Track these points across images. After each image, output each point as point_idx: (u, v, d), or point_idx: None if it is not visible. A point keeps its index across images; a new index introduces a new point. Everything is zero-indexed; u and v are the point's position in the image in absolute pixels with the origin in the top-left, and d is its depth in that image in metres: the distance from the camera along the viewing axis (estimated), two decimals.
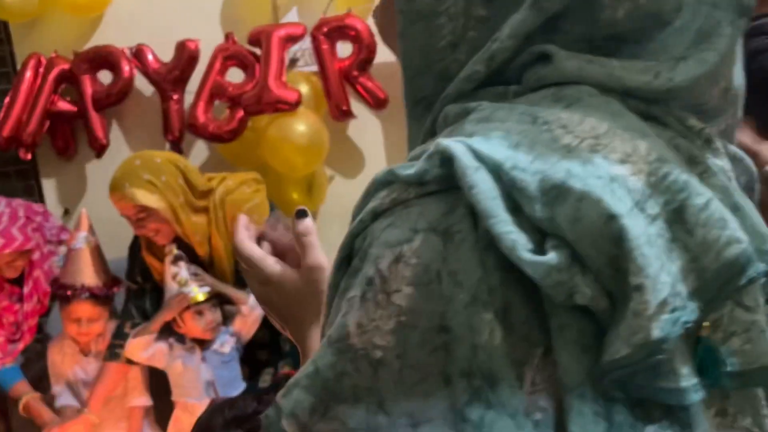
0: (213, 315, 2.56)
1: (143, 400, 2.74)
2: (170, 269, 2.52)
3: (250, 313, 2.56)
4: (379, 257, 0.50)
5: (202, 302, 2.52)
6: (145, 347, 2.58)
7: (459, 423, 0.45)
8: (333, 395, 0.48)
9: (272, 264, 0.80)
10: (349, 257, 0.54)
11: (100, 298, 2.65)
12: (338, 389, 0.48)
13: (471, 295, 0.46)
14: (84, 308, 2.62)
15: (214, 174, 2.65)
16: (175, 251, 2.52)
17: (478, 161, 0.47)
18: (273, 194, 2.84)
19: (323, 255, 0.78)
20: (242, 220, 0.84)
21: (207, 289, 2.52)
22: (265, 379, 2.68)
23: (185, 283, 2.49)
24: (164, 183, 2.48)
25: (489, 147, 0.48)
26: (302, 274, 0.78)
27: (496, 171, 0.47)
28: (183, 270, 2.50)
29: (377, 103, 2.92)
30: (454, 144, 0.49)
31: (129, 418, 2.71)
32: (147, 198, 2.45)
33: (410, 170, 0.51)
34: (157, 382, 2.81)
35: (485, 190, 0.46)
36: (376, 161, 3.18)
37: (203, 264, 2.62)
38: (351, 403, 0.47)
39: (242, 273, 0.83)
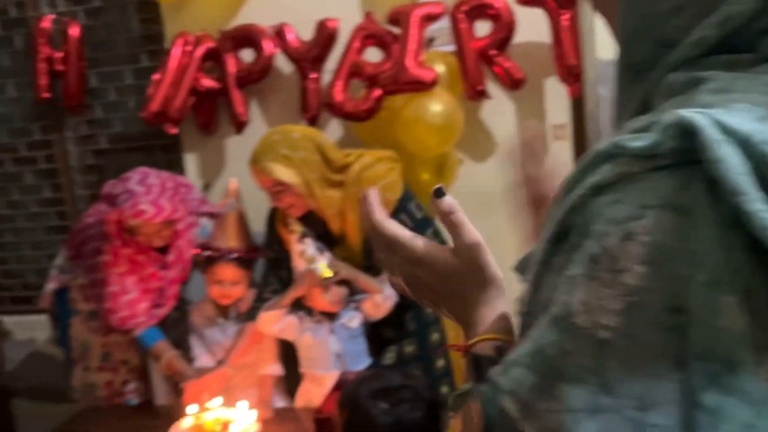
0: (339, 290, 2.61)
1: (275, 369, 2.82)
2: (297, 247, 2.58)
3: (383, 302, 2.59)
4: (605, 235, 0.47)
5: (330, 278, 2.57)
6: (275, 321, 2.66)
7: (692, 408, 0.43)
8: (555, 374, 0.47)
9: (422, 243, 0.77)
10: (562, 232, 0.51)
11: (243, 261, 2.75)
12: (561, 368, 0.47)
13: (711, 276, 0.43)
14: (228, 270, 2.73)
15: (352, 150, 2.68)
16: (300, 229, 2.57)
17: (724, 134, 0.45)
18: (403, 175, 2.85)
19: (476, 231, 0.76)
20: (374, 196, 0.80)
21: (328, 268, 2.56)
22: (389, 357, 2.71)
23: (312, 260, 2.55)
24: (300, 158, 2.53)
25: (734, 119, 0.45)
26: (458, 252, 0.75)
27: (744, 145, 0.44)
28: (309, 247, 2.55)
29: (513, 83, 2.87)
30: (695, 115, 0.46)
31: (260, 386, 2.80)
32: (283, 172, 2.51)
33: (640, 142, 0.48)
34: (287, 353, 2.89)
35: (734, 165, 0.43)
36: (507, 145, 3.14)
37: (335, 239, 2.67)
38: (574, 382, 0.46)
39: (378, 254, 0.80)
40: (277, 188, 2.55)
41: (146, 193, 2.59)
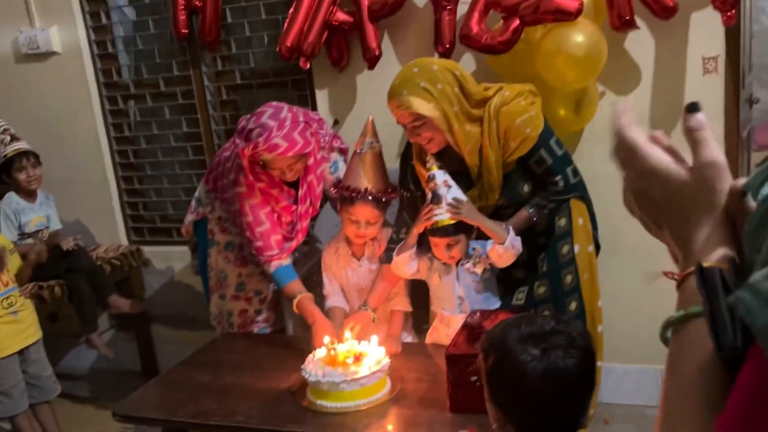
0: (459, 246, 2.56)
1: (405, 305, 2.83)
2: (429, 183, 2.53)
3: (504, 252, 2.52)
4: None
5: (451, 234, 2.53)
6: (407, 263, 2.65)
7: None
8: None
9: (659, 155, 0.72)
10: None
11: (380, 202, 2.74)
12: None
13: None
14: (365, 211, 2.73)
15: (491, 84, 2.59)
16: (435, 165, 2.52)
17: None
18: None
19: (720, 151, 0.70)
20: (627, 104, 0.76)
21: (447, 216, 2.50)
22: (519, 298, 2.65)
23: (439, 201, 2.50)
24: (440, 91, 2.47)
25: None
26: (695, 170, 0.70)
27: None
28: (441, 187, 2.50)
29: (664, 12, 2.68)
30: None
31: (390, 321, 2.82)
32: (422, 106, 2.46)
33: None
34: (415, 293, 2.89)
35: None
36: (653, 79, 2.95)
37: (471, 176, 2.60)
38: None
39: (618, 163, 0.76)
40: (416, 122, 2.51)
41: (279, 128, 2.60)
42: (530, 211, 2.60)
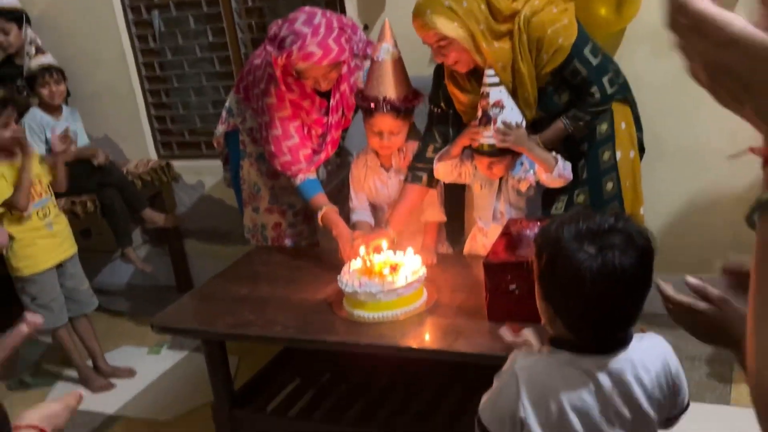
0: (502, 165, 2.48)
1: (438, 216, 2.78)
2: (482, 100, 2.43)
3: (553, 181, 2.44)
4: None
5: (495, 155, 2.44)
6: (449, 171, 2.57)
7: None
8: None
9: (742, 23, 0.65)
10: None
11: (401, 111, 2.63)
12: None
13: None
14: (386, 121, 2.63)
15: None
16: (492, 81, 2.40)
17: None
18: (578, 10, 2.60)
19: None
20: None
21: (493, 142, 2.41)
22: (558, 207, 2.58)
23: (488, 123, 2.40)
24: (465, 9, 2.34)
25: None
26: None
27: None
28: (492, 108, 2.39)
29: None
30: None
31: (424, 232, 2.78)
32: (447, 26, 2.34)
33: None
34: (450, 203, 2.83)
35: None
36: None
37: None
38: None
39: (678, 37, 0.68)
40: (442, 43, 2.40)
41: (314, 35, 2.50)
42: (565, 123, 2.50)
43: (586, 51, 2.41)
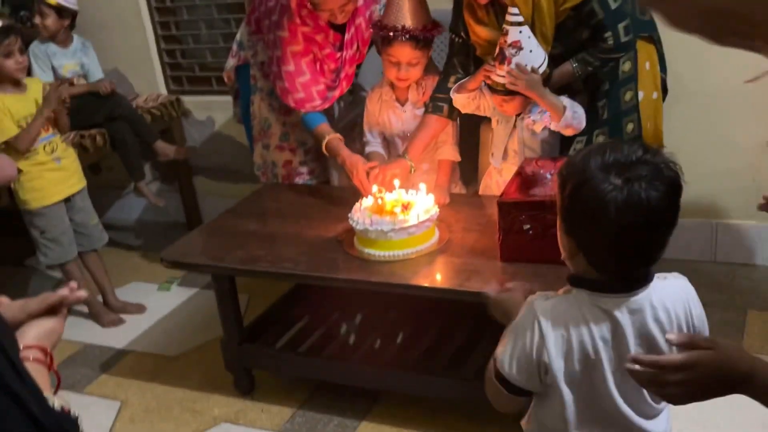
0: (515, 103, 2.41)
1: (453, 154, 2.72)
2: (501, 38, 2.34)
3: (563, 128, 2.36)
4: None
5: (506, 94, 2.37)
6: (468, 102, 2.51)
7: None
8: None
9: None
10: None
11: (420, 40, 2.55)
12: None
13: None
14: (404, 51, 2.56)
15: None
16: (513, 19, 2.31)
17: None
18: None
19: None
20: None
21: (503, 82, 2.33)
22: (577, 149, 2.52)
23: (502, 62, 2.32)
24: None
25: None
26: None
27: None
28: (509, 48, 2.30)
29: None
30: None
31: (438, 170, 2.73)
32: None
33: None
34: (465, 143, 2.78)
35: None
36: None
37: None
38: None
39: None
40: None
41: None
42: (574, 66, 2.42)
43: None
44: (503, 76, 2.31)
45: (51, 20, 3.47)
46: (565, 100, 2.35)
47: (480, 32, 2.49)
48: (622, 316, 1.25)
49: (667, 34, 2.64)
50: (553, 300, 1.31)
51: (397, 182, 2.45)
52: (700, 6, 0.66)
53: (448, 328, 2.63)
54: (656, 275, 1.29)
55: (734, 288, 2.98)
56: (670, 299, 1.29)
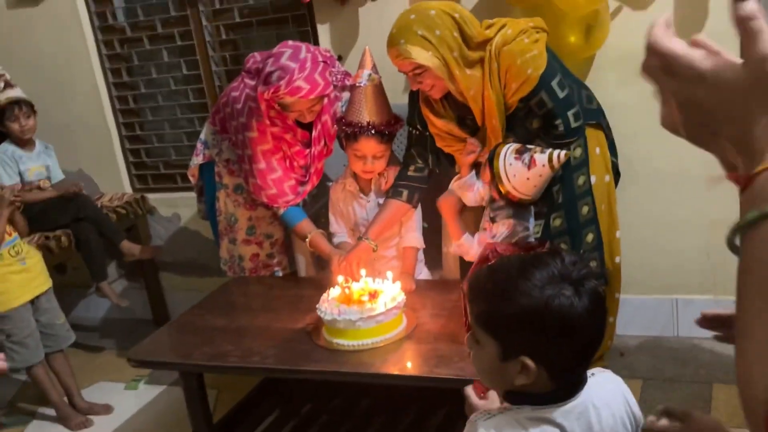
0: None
1: (417, 241, 2.78)
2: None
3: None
4: None
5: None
6: (470, 193, 2.56)
7: None
8: None
9: (703, 58, 0.68)
10: None
11: (384, 135, 2.67)
12: None
13: None
14: (369, 145, 2.66)
15: (493, 20, 2.48)
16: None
17: None
18: (548, 38, 2.64)
19: None
20: (664, 19, 0.72)
21: None
22: (536, 231, 2.59)
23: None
24: (438, 38, 2.36)
25: None
26: (750, 64, 0.65)
27: None
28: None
29: None
30: None
31: (403, 258, 2.78)
32: (422, 55, 2.36)
33: None
34: (427, 229, 2.84)
35: None
36: None
37: (476, 122, 2.52)
38: None
39: (652, 77, 0.71)
40: (417, 71, 2.42)
41: (300, 70, 2.53)
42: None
43: (554, 83, 2.42)
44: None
45: (32, 121, 3.53)
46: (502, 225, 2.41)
47: (438, 123, 2.59)
48: (569, 423, 1.23)
49: (618, 119, 2.77)
50: (496, 419, 1.25)
51: (363, 271, 2.49)
52: (678, 96, 0.71)
53: (423, 414, 2.63)
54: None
55: (698, 361, 3.03)
56: (609, 397, 1.29)
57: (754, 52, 0.64)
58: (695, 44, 0.70)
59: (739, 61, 0.66)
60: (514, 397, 1.26)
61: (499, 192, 2.38)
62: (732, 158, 0.69)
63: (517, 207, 2.41)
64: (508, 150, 2.36)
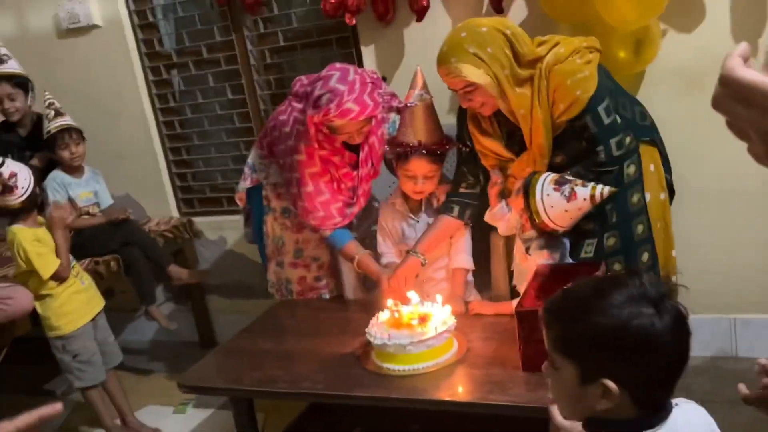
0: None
1: (467, 263, 2.75)
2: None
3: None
4: None
5: None
6: (502, 221, 2.54)
7: None
8: None
9: None
10: None
11: (435, 155, 2.65)
12: None
13: None
14: (420, 165, 2.64)
15: (546, 37, 2.44)
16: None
17: None
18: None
19: None
20: (739, 50, 0.70)
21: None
22: (588, 251, 2.53)
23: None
24: (490, 55, 2.33)
25: None
26: None
27: None
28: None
29: None
30: None
31: (452, 280, 2.74)
32: (473, 73, 2.33)
33: None
34: (477, 251, 2.80)
35: None
36: (720, 12, 2.78)
37: (522, 139, 2.48)
38: None
39: (728, 109, 0.69)
40: (468, 88, 2.39)
41: (350, 92, 2.52)
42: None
43: (601, 108, 2.36)
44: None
45: (82, 148, 3.60)
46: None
47: (484, 142, 2.56)
48: None
49: (669, 135, 2.71)
50: None
51: (413, 293, 2.45)
52: (758, 125, 0.69)
53: None
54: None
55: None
56: (694, 426, 1.24)
57: None
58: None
59: None
60: (597, 425, 1.22)
61: (532, 221, 2.33)
62: None
63: (549, 236, 2.37)
64: (546, 180, 2.31)
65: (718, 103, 0.69)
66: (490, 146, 2.56)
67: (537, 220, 2.32)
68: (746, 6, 2.73)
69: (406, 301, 2.41)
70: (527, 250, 2.41)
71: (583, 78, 2.34)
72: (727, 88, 0.68)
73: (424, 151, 2.62)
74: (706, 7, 2.79)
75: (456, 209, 2.67)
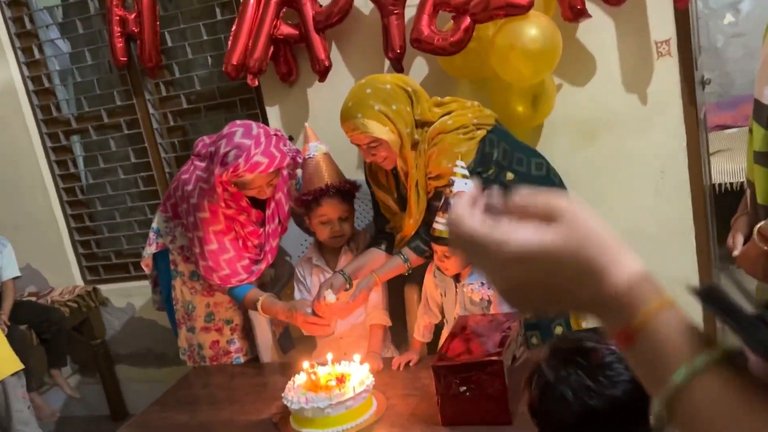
0: (455, 261, 2.46)
1: (383, 319, 2.74)
2: (446, 188, 2.40)
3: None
4: None
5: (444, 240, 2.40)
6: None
7: None
8: None
9: (515, 237, 0.60)
10: None
11: (345, 193, 2.67)
12: None
13: None
14: (333, 206, 2.65)
15: (445, 99, 2.52)
16: (460, 168, 2.35)
17: None
18: (497, 108, 2.70)
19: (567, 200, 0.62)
20: (467, 194, 0.66)
21: (445, 230, 2.41)
22: (534, 342, 2.54)
23: (446, 210, 2.38)
24: (395, 112, 2.40)
25: None
26: (562, 231, 0.61)
27: None
28: (453, 194, 2.37)
29: None
30: None
31: (369, 336, 2.73)
32: (379, 130, 2.39)
33: None
34: (392, 304, 2.81)
35: None
36: (608, 66, 2.93)
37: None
38: None
39: (467, 257, 0.65)
40: (372, 144, 2.44)
41: (257, 145, 2.51)
42: (403, 257, 2.54)
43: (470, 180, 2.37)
44: (445, 224, 2.36)
45: None
46: None
47: (378, 194, 2.62)
48: None
49: (569, 185, 2.81)
50: None
51: (329, 356, 2.42)
52: (502, 283, 0.63)
53: None
54: None
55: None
56: None
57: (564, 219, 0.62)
58: (506, 209, 0.63)
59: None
60: None
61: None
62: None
63: None
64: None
65: (455, 251, 0.67)
66: (382, 198, 2.63)
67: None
68: (634, 60, 2.89)
69: (327, 331, 2.39)
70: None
71: (456, 153, 2.40)
72: (456, 239, 0.64)
73: (333, 191, 2.63)
74: (596, 62, 2.94)
75: (384, 245, 2.68)
